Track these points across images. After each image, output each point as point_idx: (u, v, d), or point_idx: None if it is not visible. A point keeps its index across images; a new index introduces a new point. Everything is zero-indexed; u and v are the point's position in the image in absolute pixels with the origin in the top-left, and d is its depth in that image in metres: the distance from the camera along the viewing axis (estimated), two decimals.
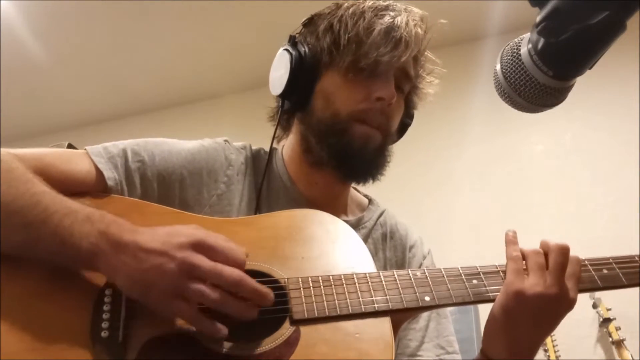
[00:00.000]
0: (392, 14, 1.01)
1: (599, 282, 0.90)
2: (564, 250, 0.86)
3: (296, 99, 1.05)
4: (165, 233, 0.77)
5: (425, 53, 1.10)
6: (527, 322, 0.84)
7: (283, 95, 1.05)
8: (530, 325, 0.85)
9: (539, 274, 0.84)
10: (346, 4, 1.05)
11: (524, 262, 0.86)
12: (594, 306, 2.58)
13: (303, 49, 1.04)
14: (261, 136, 1.16)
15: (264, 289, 0.76)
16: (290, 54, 1.04)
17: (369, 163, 1.03)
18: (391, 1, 1.05)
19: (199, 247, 0.75)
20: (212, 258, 0.75)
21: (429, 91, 1.12)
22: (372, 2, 1.04)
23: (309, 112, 1.04)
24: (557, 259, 0.85)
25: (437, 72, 1.12)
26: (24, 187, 0.79)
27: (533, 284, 0.83)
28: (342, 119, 1.01)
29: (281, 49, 1.07)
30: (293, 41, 1.06)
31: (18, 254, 0.78)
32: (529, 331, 0.85)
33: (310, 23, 1.08)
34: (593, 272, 0.90)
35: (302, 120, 1.07)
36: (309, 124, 1.05)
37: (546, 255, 0.86)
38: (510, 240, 0.90)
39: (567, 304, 0.85)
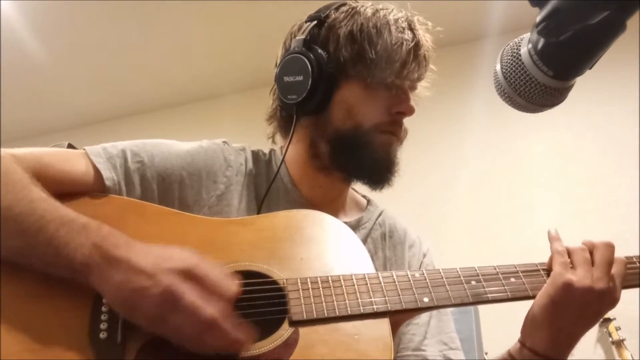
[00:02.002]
0: (412, 28, 1.03)
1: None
2: (610, 247, 0.88)
3: (313, 107, 1.02)
4: (158, 255, 0.75)
5: None
6: (572, 313, 0.86)
7: (301, 103, 1.02)
8: (575, 317, 0.86)
9: (587, 267, 0.87)
10: (362, 10, 1.04)
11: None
12: None
13: (322, 55, 1.02)
14: (261, 136, 1.16)
15: (239, 335, 0.73)
16: (309, 60, 1.01)
17: (390, 170, 1.05)
18: (405, 13, 1.05)
19: (189, 275, 0.73)
20: (201, 287, 0.73)
21: (425, 94, 1.13)
22: (387, 10, 1.04)
23: (324, 120, 1.03)
24: (603, 254, 0.88)
25: (432, 76, 1.13)
26: (21, 193, 0.78)
27: (582, 276, 0.85)
28: (364, 132, 1.01)
29: (294, 53, 1.03)
30: (308, 46, 1.03)
31: (13, 260, 0.78)
32: (573, 323, 0.87)
33: (322, 25, 1.05)
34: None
35: (314, 127, 1.05)
36: (324, 132, 1.04)
37: (591, 252, 0.89)
38: (554, 237, 0.92)
39: (610, 300, 0.87)
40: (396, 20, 1.03)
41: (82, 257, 0.75)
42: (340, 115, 1.02)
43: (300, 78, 1.01)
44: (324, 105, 1.02)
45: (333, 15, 1.05)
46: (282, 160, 1.07)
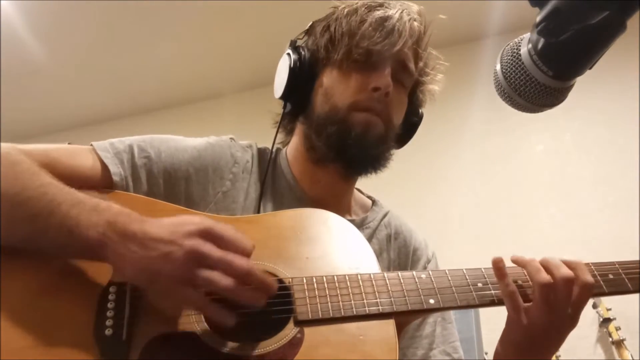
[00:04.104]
0: (385, 9, 1.04)
1: (604, 287, 0.90)
2: (568, 283, 0.84)
3: (297, 100, 1.07)
4: (172, 222, 0.76)
5: (428, 49, 1.10)
6: (536, 350, 0.87)
7: (284, 97, 1.07)
8: (539, 351, 0.87)
9: (545, 307, 0.83)
10: (342, 6, 1.08)
11: (524, 288, 0.86)
12: (594, 306, 2.58)
13: (302, 51, 1.07)
14: (262, 136, 1.17)
15: (269, 280, 0.76)
16: (291, 57, 1.07)
17: (369, 151, 1.03)
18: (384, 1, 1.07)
19: (208, 235, 0.74)
20: (220, 247, 0.74)
21: (434, 87, 1.12)
22: (367, 0, 1.06)
23: (310, 111, 1.06)
24: (561, 292, 0.83)
25: (440, 68, 1.13)
26: (31, 179, 0.79)
27: (538, 317, 0.83)
28: (340, 110, 1.02)
29: (284, 54, 1.09)
30: (294, 46, 1.09)
31: (25, 247, 0.78)
32: (538, 355, 0.88)
33: (310, 29, 1.12)
34: (599, 278, 0.90)
35: (304, 121, 1.08)
36: (311, 121, 1.06)
37: (549, 271, 0.85)
38: (500, 274, 0.86)
39: (572, 327, 0.86)
40: (369, 5, 1.05)
41: (97, 235, 0.75)
42: (319, 100, 1.05)
43: (284, 74, 1.07)
44: (308, 97, 1.06)
45: (320, 18, 1.11)
46: (272, 150, 1.10)
